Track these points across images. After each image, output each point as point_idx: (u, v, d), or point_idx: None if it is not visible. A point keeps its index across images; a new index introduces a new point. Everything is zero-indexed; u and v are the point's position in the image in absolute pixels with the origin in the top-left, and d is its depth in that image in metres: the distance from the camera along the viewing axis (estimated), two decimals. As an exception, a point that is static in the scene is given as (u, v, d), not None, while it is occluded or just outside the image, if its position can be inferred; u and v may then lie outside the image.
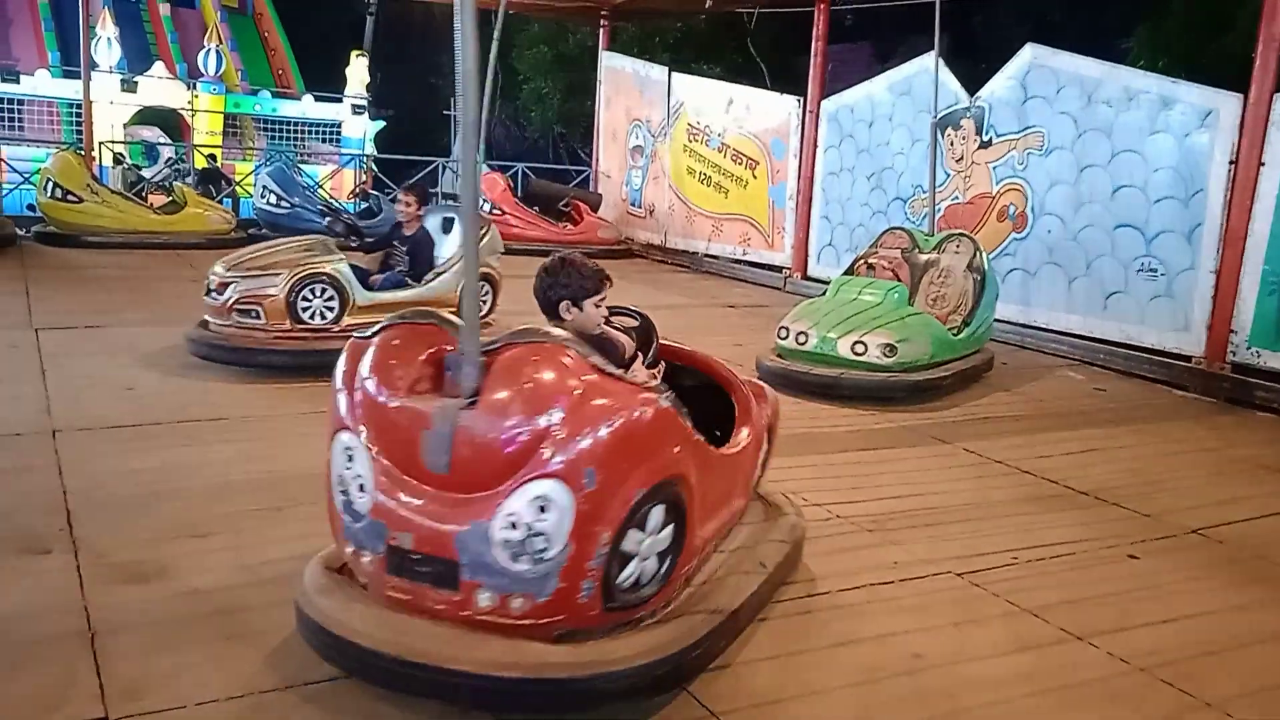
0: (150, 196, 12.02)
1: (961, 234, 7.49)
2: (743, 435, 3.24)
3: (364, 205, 13.29)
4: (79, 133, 14.48)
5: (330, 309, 6.14)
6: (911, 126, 9.86)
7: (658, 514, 2.52)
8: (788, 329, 6.45)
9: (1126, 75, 8.19)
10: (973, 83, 9.22)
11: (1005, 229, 8.89)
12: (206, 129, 18.17)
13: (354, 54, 20.44)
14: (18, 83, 16.84)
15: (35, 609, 2.99)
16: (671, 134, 13.19)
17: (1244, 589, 3.75)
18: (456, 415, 2.42)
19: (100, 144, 13.91)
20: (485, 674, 2.34)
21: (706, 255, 12.81)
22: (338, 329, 6.07)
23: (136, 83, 17.34)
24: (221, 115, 18.57)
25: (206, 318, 6.18)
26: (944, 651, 3.09)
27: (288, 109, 19.48)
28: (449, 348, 2.60)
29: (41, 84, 17.04)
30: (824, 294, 6.96)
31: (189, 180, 12.98)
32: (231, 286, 6.01)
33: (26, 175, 13.11)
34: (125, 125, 16.90)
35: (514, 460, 2.37)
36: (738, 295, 10.89)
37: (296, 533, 3.53)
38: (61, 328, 6.90)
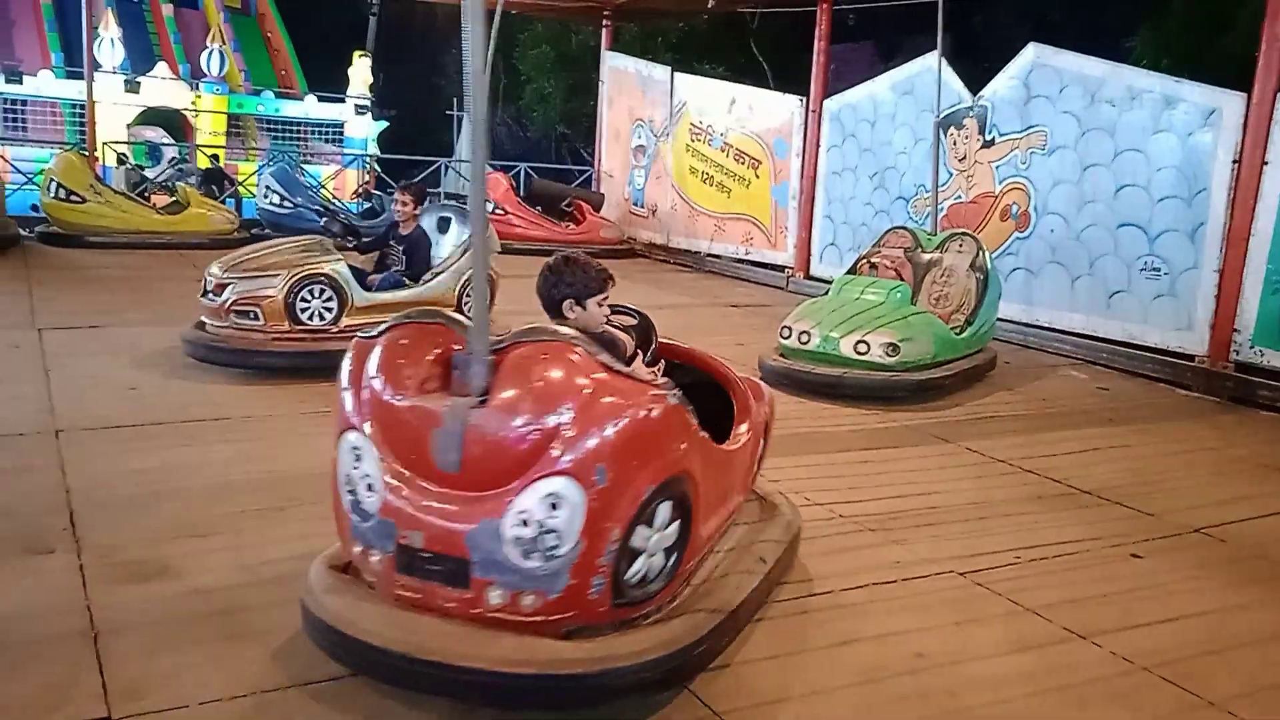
0: (153, 197, 12.05)
1: (964, 233, 7.47)
2: (742, 431, 3.25)
3: (367, 205, 13.32)
4: (82, 133, 14.51)
5: (329, 310, 6.09)
6: (914, 126, 9.85)
7: (665, 510, 2.53)
8: (790, 328, 6.45)
9: (1129, 74, 8.18)
10: (975, 82, 9.21)
11: (1008, 228, 8.88)
12: (209, 129, 18.23)
13: (357, 54, 20.50)
14: (21, 83, 16.90)
15: (38, 608, 3.00)
16: (674, 134, 13.19)
17: (1246, 588, 3.74)
18: (467, 414, 2.42)
19: (103, 144, 13.94)
20: (498, 671, 2.34)
21: (709, 255, 12.81)
22: (336, 330, 6.05)
23: (139, 83, 17.40)
24: (224, 115, 18.64)
25: (203, 319, 6.14)
26: (946, 651, 3.09)
27: (291, 109, 19.54)
28: (456, 347, 2.60)
29: (45, 85, 17.10)
30: (827, 293, 6.95)
31: (192, 180, 13.00)
32: (229, 288, 5.95)
33: (30, 176, 13.13)
34: (128, 125, 16.94)
35: (524, 458, 2.38)
36: (740, 295, 10.89)
37: (297, 532, 3.55)
38: (64, 328, 6.91)
